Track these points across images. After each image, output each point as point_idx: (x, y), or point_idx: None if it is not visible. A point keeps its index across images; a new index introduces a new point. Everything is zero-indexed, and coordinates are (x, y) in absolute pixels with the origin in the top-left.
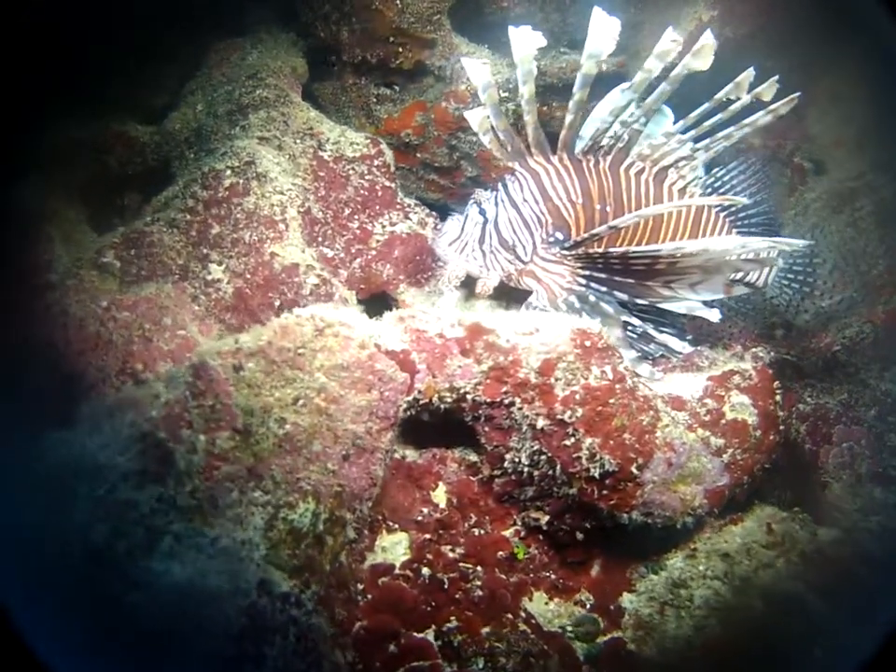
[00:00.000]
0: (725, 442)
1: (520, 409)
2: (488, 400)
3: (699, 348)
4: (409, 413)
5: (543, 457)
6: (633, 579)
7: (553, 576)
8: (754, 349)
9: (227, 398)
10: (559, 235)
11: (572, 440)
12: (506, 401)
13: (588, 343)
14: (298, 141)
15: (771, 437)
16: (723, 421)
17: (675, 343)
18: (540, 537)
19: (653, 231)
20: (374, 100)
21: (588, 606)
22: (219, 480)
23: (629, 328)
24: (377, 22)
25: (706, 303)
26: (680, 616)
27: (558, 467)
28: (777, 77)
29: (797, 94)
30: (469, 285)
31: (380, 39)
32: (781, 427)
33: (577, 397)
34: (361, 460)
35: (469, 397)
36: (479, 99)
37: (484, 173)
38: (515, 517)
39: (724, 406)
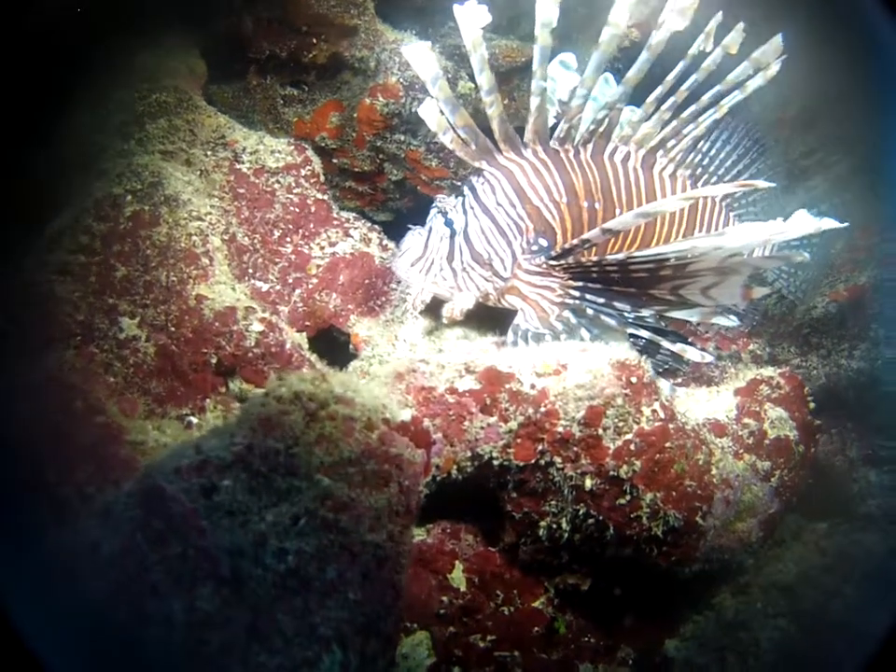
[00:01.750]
0: (772, 464)
1: (560, 469)
2: (520, 465)
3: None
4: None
5: (591, 521)
6: (674, 622)
7: (592, 640)
8: (750, 347)
9: (201, 537)
10: (543, 242)
11: (628, 497)
12: (542, 462)
13: (634, 380)
14: (209, 153)
15: (812, 449)
16: (766, 441)
17: (693, 353)
18: (575, 600)
19: (648, 228)
20: (281, 101)
21: (631, 662)
22: (211, 657)
23: (631, 339)
24: (291, 9)
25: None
26: (747, 664)
27: (611, 530)
28: (742, 26)
29: (778, 37)
30: (433, 309)
31: (292, 29)
32: (818, 436)
33: (631, 447)
34: (384, 572)
35: (495, 463)
36: (411, 92)
37: (412, 175)
38: (546, 584)
39: (764, 424)
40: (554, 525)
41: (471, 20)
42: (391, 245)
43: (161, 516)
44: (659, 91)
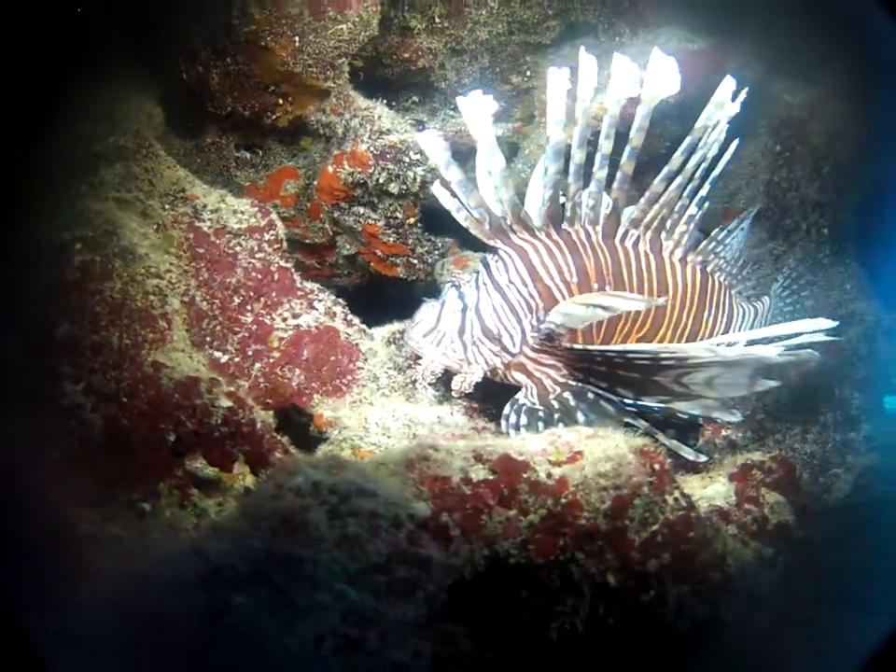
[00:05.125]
0: (775, 551)
1: (581, 565)
2: (540, 562)
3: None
4: None
5: (610, 619)
6: None
7: None
8: (723, 433)
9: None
10: None
11: (652, 592)
12: (562, 558)
13: (657, 467)
14: (168, 206)
15: (809, 533)
16: (769, 527)
17: (688, 452)
18: None
19: (658, 310)
20: (234, 164)
21: None
22: None
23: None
24: (262, 64)
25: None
26: None
27: (631, 629)
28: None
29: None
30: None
31: (260, 87)
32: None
33: (658, 539)
34: None
35: (511, 561)
36: (381, 162)
37: (366, 250)
38: None
39: (765, 510)
40: (567, 626)
41: (477, 109)
42: (356, 320)
43: (159, 646)
44: (665, 171)
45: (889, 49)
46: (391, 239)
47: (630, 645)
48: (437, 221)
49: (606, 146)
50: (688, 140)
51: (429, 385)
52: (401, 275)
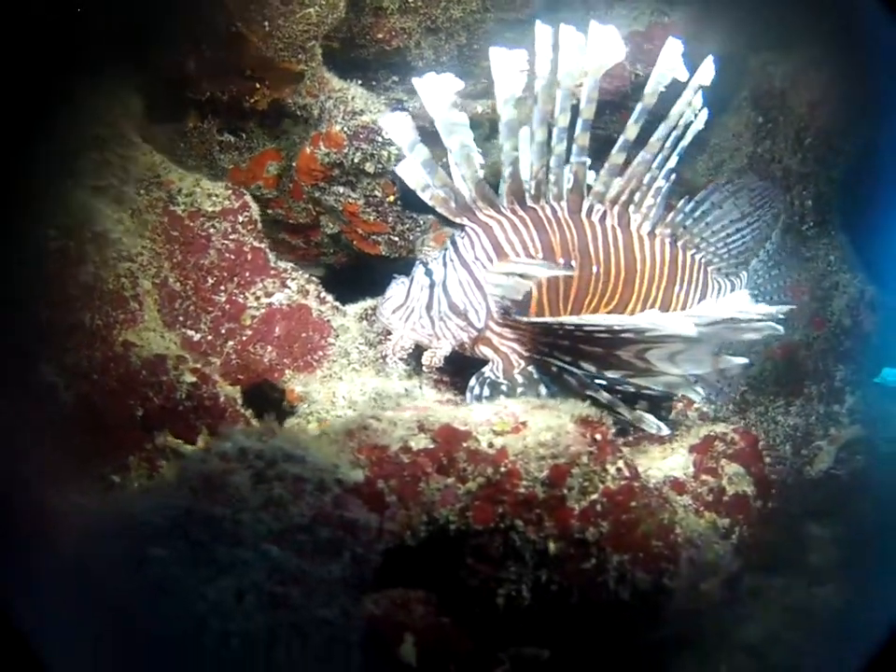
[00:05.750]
0: (731, 521)
1: (521, 533)
2: (479, 528)
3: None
4: None
5: (553, 587)
6: None
7: None
8: (696, 405)
9: (124, 620)
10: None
11: (593, 561)
12: (502, 526)
13: (598, 437)
14: (142, 192)
15: (770, 504)
16: (725, 498)
17: (650, 422)
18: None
19: (626, 284)
20: (218, 148)
21: None
22: None
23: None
24: (236, 50)
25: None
26: None
27: (575, 596)
28: (711, 58)
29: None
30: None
31: (236, 72)
32: (774, 492)
33: (598, 507)
34: (336, 652)
35: (451, 527)
36: (355, 142)
37: (348, 229)
38: (501, 656)
39: (722, 480)
40: (514, 593)
41: (432, 90)
42: (329, 297)
43: (81, 592)
44: (622, 141)
45: (870, 19)
46: (371, 217)
47: (575, 612)
48: (418, 199)
49: (562, 119)
50: (640, 107)
51: (400, 359)
52: (384, 253)
